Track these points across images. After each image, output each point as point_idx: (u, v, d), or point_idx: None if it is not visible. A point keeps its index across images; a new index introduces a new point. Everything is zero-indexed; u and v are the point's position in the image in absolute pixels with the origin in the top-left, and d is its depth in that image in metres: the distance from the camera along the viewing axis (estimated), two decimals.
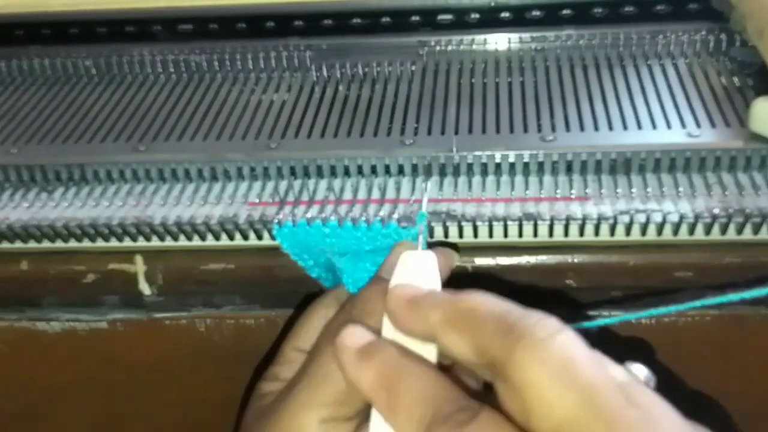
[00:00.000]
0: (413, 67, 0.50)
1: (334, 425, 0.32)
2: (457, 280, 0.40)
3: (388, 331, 0.32)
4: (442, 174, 0.41)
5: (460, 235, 0.39)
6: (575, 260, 0.40)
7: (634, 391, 0.25)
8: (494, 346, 0.27)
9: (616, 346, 0.43)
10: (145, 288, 0.42)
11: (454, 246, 0.39)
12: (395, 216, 0.38)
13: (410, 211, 0.39)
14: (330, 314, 0.37)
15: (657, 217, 0.37)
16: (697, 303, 0.34)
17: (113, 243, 0.42)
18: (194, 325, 0.45)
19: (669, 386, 0.44)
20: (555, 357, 0.25)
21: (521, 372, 0.26)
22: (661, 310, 0.34)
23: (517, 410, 0.26)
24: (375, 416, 0.30)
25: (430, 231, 0.39)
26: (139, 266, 0.42)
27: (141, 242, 0.42)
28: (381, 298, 0.33)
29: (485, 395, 0.29)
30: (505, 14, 0.52)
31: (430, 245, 0.38)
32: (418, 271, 0.33)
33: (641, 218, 0.37)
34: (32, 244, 0.42)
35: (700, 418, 0.45)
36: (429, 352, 0.31)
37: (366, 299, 0.35)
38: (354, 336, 0.31)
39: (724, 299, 0.33)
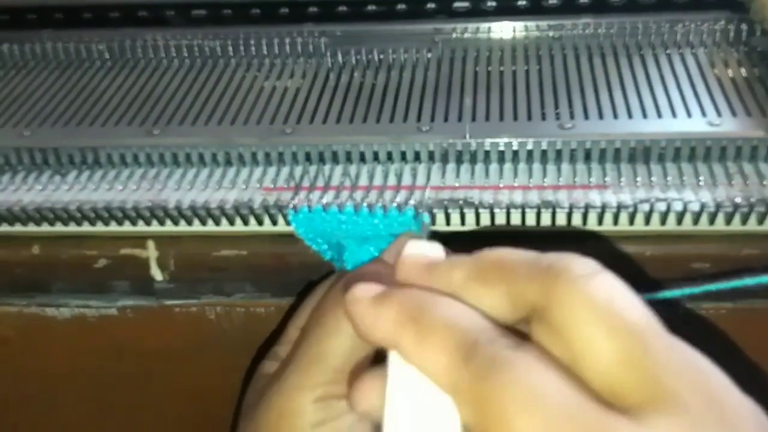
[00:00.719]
0: (429, 55, 0.49)
1: (328, 404, 0.32)
2: None
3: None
4: (459, 161, 0.41)
5: (477, 223, 0.39)
6: (590, 251, 0.39)
7: (678, 339, 0.24)
8: (531, 289, 0.25)
9: None
10: (156, 273, 0.42)
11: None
12: (411, 202, 0.38)
13: (427, 198, 0.38)
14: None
15: (677, 206, 0.37)
16: (712, 287, 0.33)
17: (126, 227, 0.42)
18: (204, 313, 0.44)
19: None
20: (599, 295, 0.24)
21: (564, 312, 0.24)
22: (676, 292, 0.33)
23: (563, 356, 0.24)
24: (393, 362, 0.26)
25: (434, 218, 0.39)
26: (151, 251, 0.42)
27: (154, 227, 0.41)
28: (378, 277, 0.31)
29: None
30: (522, 2, 0.52)
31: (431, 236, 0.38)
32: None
33: (661, 207, 0.37)
34: (44, 228, 0.42)
35: None
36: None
37: (361, 276, 0.34)
38: (366, 287, 0.28)
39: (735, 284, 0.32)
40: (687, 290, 0.34)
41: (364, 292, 0.28)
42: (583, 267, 0.25)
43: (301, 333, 0.35)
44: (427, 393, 0.25)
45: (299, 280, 0.42)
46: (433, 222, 0.39)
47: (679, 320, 0.41)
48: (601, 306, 0.24)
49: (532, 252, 0.27)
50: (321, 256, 0.39)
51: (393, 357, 0.27)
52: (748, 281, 0.33)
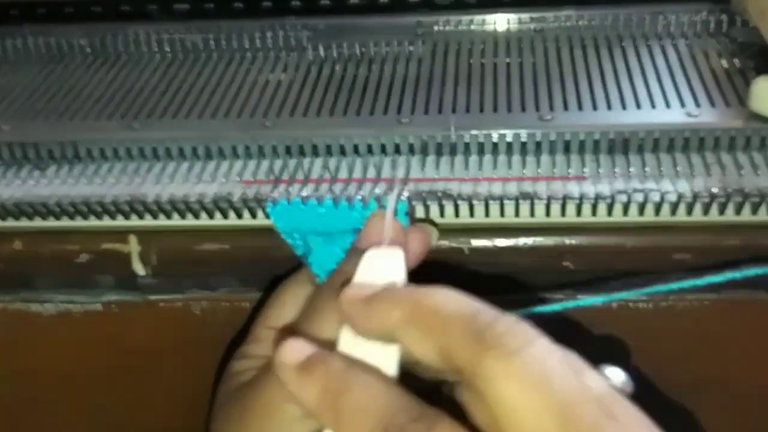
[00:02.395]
0: (411, 48, 0.49)
1: None
2: (454, 263, 0.40)
3: (346, 336, 0.30)
4: (439, 153, 0.41)
5: (456, 215, 0.39)
6: (573, 242, 0.39)
7: (612, 404, 0.24)
8: (462, 352, 0.25)
9: (613, 331, 0.43)
10: (139, 268, 0.42)
11: (434, 224, 0.39)
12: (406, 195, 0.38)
13: (408, 190, 0.38)
14: (303, 292, 0.36)
15: (655, 197, 0.37)
16: (686, 284, 0.33)
17: (107, 222, 0.41)
18: (189, 307, 0.44)
19: (667, 372, 0.44)
20: (529, 370, 0.24)
21: (492, 385, 0.24)
22: (649, 290, 0.33)
23: (484, 422, 0.25)
24: None
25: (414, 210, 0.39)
26: (133, 246, 0.42)
27: (135, 221, 0.41)
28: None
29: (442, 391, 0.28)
30: None
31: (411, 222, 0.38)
32: (383, 270, 0.31)
33: (639, 198, 0.37)
34: (25, 223, 0.42)
35: (699, 403, 0.45)
36: (390, 356, 0.29)
37: (345, 272, 0.34)
38: (293, 350, 0.29)
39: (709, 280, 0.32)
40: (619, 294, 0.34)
41: (290, 355, 0.29)
42: (517, 338, 0.25)
43: (296, 321, 0.35)
44: None
45: (283, 274, 0.42)
46: (413, 215, 0.39)
47: (660, 313, 0.42)
48: (530, 381, 0.24)
49: (472, 304, 0.27)
50: (294, 251, 0.39)
51: None
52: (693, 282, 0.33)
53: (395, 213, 0.35)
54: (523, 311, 0.34)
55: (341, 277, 0.34)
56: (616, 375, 0.27)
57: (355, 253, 0.35)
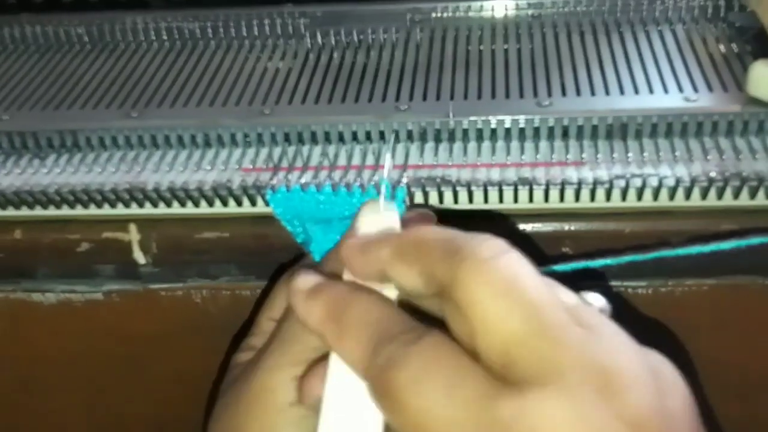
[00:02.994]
0: (409, 34, 0.49)
1: None
2: None
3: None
4: (438, 139, 0.41)
5: (455, 201, 0.39)
6: (572, 228, 0.40)
7: (583, 313, 0.25)
8: (441, 269, 0.26)
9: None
10: (139, 257, 0.42)
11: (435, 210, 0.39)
12: (392, 181, 0.38)
13: (405, 176, 0.38)
14: None
15: (653, 181, 0.37)
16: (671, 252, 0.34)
17: (106, 210, 0.42)
18: (190, 296, 0.44)
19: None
20: (500, 276, 0.25)
21: (465, 291, 0.25)
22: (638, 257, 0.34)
23: (463, 332, 0.26)
24: (332, 359, 0.29)
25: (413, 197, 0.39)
26: (133, 235, 0.42)
27: (135, 210, 0.42)
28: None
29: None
30: None
31: (410, 209, 0.38)
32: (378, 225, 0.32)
33: (637, 182, 0.37)
34: (25, 212, 0.42)
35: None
36: (388, 295, 0.30)
37: (336, 259, 0.34)
38: (305, 278, 0.31)
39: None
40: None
41: (302, 283, 0.31)
42: (489, 248, 0.26)
43: (283, 313, 0.35)
44: (359, 394, 0.27)
45: (284, 261, 0.42)
46: (412, 201, 0.39)
47: (659, 297, 0.42)
48: (499, 285, 0.25)
49: (450, 232, 0.28)
50: (294, 238, 0.39)
51: (332, 356, 0.29)
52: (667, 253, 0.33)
53: (394, 199, 0.36)
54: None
55: (330, 264, 0.34)
56: (596, 299, 0.28)
57: (346, 239, 0.35)
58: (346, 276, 0.31)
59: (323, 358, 0.31)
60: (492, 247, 0.26)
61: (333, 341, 0.29)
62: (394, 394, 0.25)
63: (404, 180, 0.38)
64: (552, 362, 0.23)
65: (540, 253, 0.40)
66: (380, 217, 0.32)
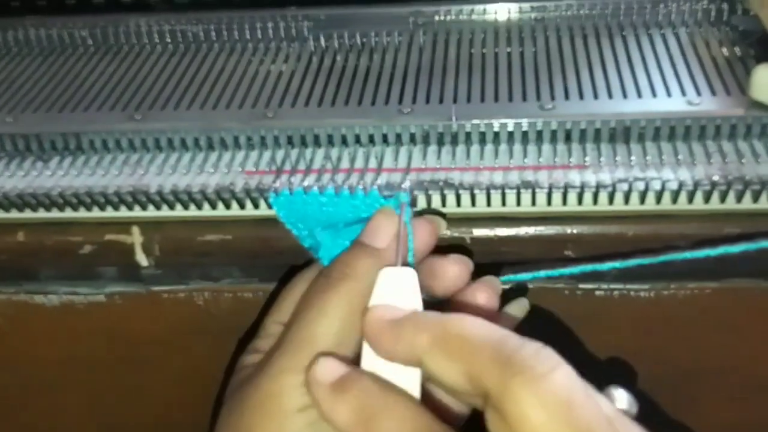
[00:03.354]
0: (412, 38, 0.49)
1: None
2: (456, 252, 0.40)
3: (369, 355, 0.31)
4: (440, 143, 0.41)
5: (458, 204, 0.39)
6: (574, 231, 0.40)
7: (624, 427, 0.26)
8: (490, 376, 0.26)
9: (615, 320, 0.43)
10: (142, 259, 0.42)
11: (441, 214, 0.39)
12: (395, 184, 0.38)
13: (408, 180, 0.38)
14: None
15: (656, 185, 0.37)
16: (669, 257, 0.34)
17: (109, 213, 0.42)
18: (192, 298, 0.45)
19: (668, 360, 0.44)
20: (554, 395, 0.25)
21: (518, 407, 0.25)
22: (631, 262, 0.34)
23: None
24: None
25: (414, 202, 0.39)
26: (136, 237, 0.42)
27: (137, 212, 0.42)
28: (358, 261, 0.33)
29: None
30: None
31: (417, 214, 0.38)
32: (398, 289, 0.32)
33: (640, 186, 0.37)
34: (28, 214, 0.42)
35: (700, 391, 0.45)
36: (413, 378, 0.30)
37: (344, 263, 0.34)
38: (327, 369, 0.30)
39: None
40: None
41: (324, 373, 0.30)
42: (543, 363, 0.26)
43: (291, 317, 0.35)
44: None
45: (285, 264, 0.42)
46: (414, 204, 0.39)
47: (661, 301, 0.42)
48: (556, 407, 0.25)
49: (498, 330, 0.28)
50: (300, 242, 0.39)
51: None
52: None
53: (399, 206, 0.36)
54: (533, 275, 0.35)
55: (338, 267, 0.34)
56: (621, 396, 0.28)
57: (355, 245, 0.35)
58: (366, 350, 0.30)
59: None
60: (545, 360, 0.26)
61: None
62: None
63: (407, 184, 0.38)
64: None
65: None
66: (397, 277, 0.32)
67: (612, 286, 0.42)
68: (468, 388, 0.27)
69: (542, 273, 0.37)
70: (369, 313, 0.31)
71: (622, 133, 0.40)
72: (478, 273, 0.37)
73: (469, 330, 0.28)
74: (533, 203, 0.39)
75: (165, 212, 0.41)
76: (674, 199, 0.38)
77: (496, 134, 0.40)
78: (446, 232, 0.39)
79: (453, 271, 0.36)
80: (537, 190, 0.38)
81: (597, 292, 0.42)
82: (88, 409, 0.51)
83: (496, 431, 0.26)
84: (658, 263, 0.37)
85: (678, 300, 0.42)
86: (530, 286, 0.42)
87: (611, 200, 0.38)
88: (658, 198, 0.38)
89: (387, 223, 0.35)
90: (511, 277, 0.38)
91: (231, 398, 0.35)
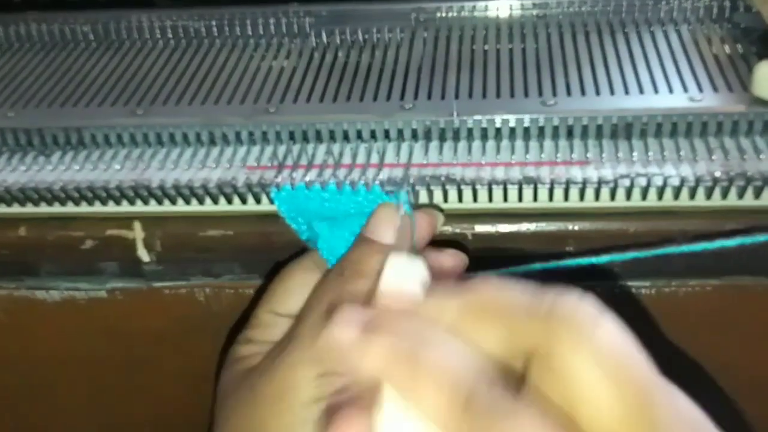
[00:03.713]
0: (414, 34, 0.49)
1: (329, 380, 0.31)
2: (458, 248, 0.40)
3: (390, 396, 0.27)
4: (442, 138, 0.41)
5: (460, 199, 0.39)
6: (576, 227, 0.40)
7: (675, 398, 0.24)
8: (532, 331, 0.25)
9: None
10: (143, 254, 0.42)
11: (439, 209, 0.39)
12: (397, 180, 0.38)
13: (410, 175, 0.38)
14: (309, 277, 0.36)
15: (658, 181, 0.37)
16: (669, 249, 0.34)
17: (111, 208, 0.42)
18: (194, 294, 0.45)
19: (669, 356, 0.44)
20: (605, 344, 0.23)
21: (570, 359, 0.23)
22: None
23: (560, 399, 0.24)
24: (385, 400, 0.26)
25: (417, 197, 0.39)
26: (138, 232, 0.42)
27: (139, 207, 0.42)
28: (370, 258, 0.32)
29: None
30: None
31: (416, 208, 0.38)
32: (406, 277, 0.30)
33: (642, 182, 0.37)
34: (30, 209, 0.42)
35: (701, 389, 0.45)
36: None
37: (356, 260, 0.34)
38: (353, 315, 0.27)
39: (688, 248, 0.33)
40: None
41: (351, 320, 0.27)
42: (587, 312, 0.24)
43: (298, 317, 0.35)
44: None
45: (287, 260, 0.42)
46: (416, 199, 0.39)
47: (663, 297, 0.42)
48: (606, 356, 0.23)
49: (529, 288, 0.26)
50: (299, 236, 0.39)
51: (387, 402, 0.26)
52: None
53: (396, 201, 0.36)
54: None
55: (351, 266, 0.34)
56: None
57: (362, 241, 0.35)
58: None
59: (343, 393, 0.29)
60: (590, 309, 0.24)
61: (403, 385, 0.25)
62: None
63: (410, 179, 0.38)
64: None
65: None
66: (407, 267, 0.30)
67: (612, 282, 0.42)
68: (509, 348, 0.25)
69: (537, 266, 0.36)
70: (381, 290, 0.28)
71: (624, 129, 0.40)
72: (480, 269, 0.37)
73: (500, 291, 0.26)
74: (535, 199, 0.39)
75: (167, 207, 0.41)
76: (676, 195, 0.38)
77: (498, 130, 0.40)
78: (447, 228, 0.40)
79: (449, 263, 0.35)
80: (539, 185, 0.38)
81: (597, 289, 0.42)
82: (88, 405, 0.51)
83: (545, 387, 0.24)
84: (657, 258, 0.37)
85: (679, 297, 0.42)
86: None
87: (613, 196, 0.38)
88: (660, 194, 0.38)
89: (390, 218, 0.35)
90: (507, 270, 0.37)
91: (238, 391, 0.35)
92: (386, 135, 0.41)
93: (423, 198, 0.39)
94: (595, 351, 0.23)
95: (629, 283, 0.42)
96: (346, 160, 0.40)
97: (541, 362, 0.24)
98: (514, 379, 0.25)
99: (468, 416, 0.24)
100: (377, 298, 0.29)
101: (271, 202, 0.39)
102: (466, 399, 0.24)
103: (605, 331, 0.24)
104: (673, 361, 0.44)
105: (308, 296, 0.35)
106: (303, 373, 0.32)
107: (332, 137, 0.41)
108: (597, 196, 0.38)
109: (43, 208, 0.42)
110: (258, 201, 0.40)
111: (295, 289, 0.36)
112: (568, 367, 0.24)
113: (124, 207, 0.42)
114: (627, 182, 0.37)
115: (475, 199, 0.39)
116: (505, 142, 0.40)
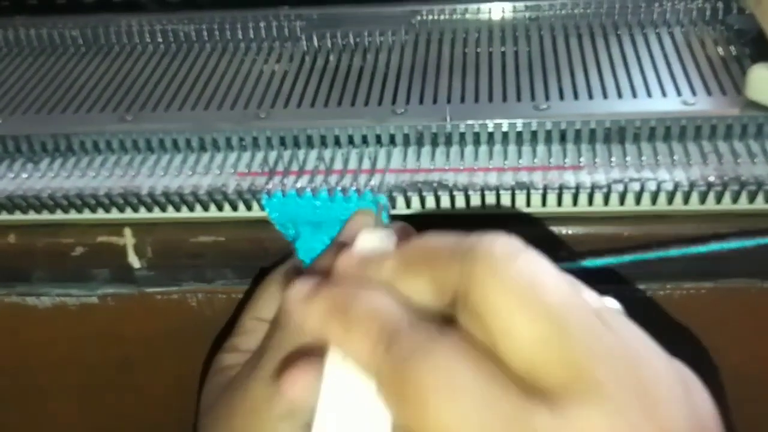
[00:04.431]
0: (405, 37, 0.49)
1: None
2: None
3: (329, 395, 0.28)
4: (434, 143, 0.40)
5: (452, 205, 0.39)
6: (569, 232, 0.39)
7: (608, 316, 0.24)
8: (452, 273, 0.25)
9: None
10: (134, 261, 0.42)
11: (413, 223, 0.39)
12: (389, 186, 0.38)
13: (402, 181, 0.38)
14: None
15: (651, 186, 0.37)
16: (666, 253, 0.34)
17: (101, 215, 0.41)
18: (186, 300, 0.44)
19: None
20: (519, 277, 0.23)
21: (483, 296, 0.23)
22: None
23: (483, 337, 0.24)
24: (330, 361, 0.27)
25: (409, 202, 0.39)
26: (128, 239, 0.41)
27: (129, 214, 0.41)
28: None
29: None
30: None
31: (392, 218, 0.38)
32: (375, 250, 0.30)
33: (635, 187, 0.37)
34: (19, 216, 0.42)
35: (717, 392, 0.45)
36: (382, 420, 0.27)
37: (324, 264, 0.34)
38: (302, 283, 0.28)
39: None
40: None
41: (297, 289, 0.28)
42: (503, 248, 0.24)
43: (272, 323, 0.35)
44: (361, 394, 0.26)
45: (279, 265, 0.42)
46: (408, 205, 0.39)
47: (657, 300, 0.42)
48: (521, 288, 0.23)
49: (455, 234, 0.26)
50: (289, 242, 0.39)
51: (331, 356, 0.27)
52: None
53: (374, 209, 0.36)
54: None
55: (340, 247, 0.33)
56: (612, 303, 0.26)
57: (336, 246, 0.35)
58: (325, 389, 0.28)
59: (305, 354, 0.29)
60: (506, 245, 0.24)
61: (337, 335, 0.26)
62: (414, 392, 0.23)
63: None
64: (586, 371, 0.22)
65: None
66: (377, 236, 0.30)
67: (606, 286, 0.42)
68: (439, 296, 0.26)
69: None
70: (338, 258, 0.29)
71: (617, 134, 0.39)
72: None
73: (428, 241, 0.27)
74: (528, 204, 0.39)
75: (157, 214, 0.41)
76: (670, 199, 0.38)
77: (491, 135, 0.40)
78: None
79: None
80: (532, 191, 0.38)
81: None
82: (80, 411, 0.51)
83: (470, 329, 0.24)
84: (652, 261, 0.37)
85: (674, 300, 0.42)
86: None
87: (606, 201, 0.38)
88: (654, 199, 0.38)
89: (365, 224, 0.35)
90: None
91: (217, 404, 0.35)
92: (378, 140, 0.41)
93: (415, 204, 0.39)
94: (507, 284, 0.23)
95: (623, 287, 0.42)
96: (338, 165, 0.40)
97: (464, 303, 0.24)
98: (447, 323, 0.25)
99: (390, 355, 0.24)
100: (336, 261, 0.29)
101: (262, 208, 0.39)
102: (388, 340, 0.24)
103: (519, 265, 0.24)
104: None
105: (280, 304, 0.35)
106: (275, 387, 0.31)
107: (323, 143, 0.41)
108: (590, 201, 0.38)
109: (33, 216, 0.42)
110: (249, 207, 0.40)
111: (277, 295, 0.36)
112: (483, 303, 0.23)
113: (114, 214, 0.41)
114: (620, 187, 0.37)
115: (467, 205, 0.39)
116: (497, 147, 0.40)
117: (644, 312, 0.42)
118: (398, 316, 0.25)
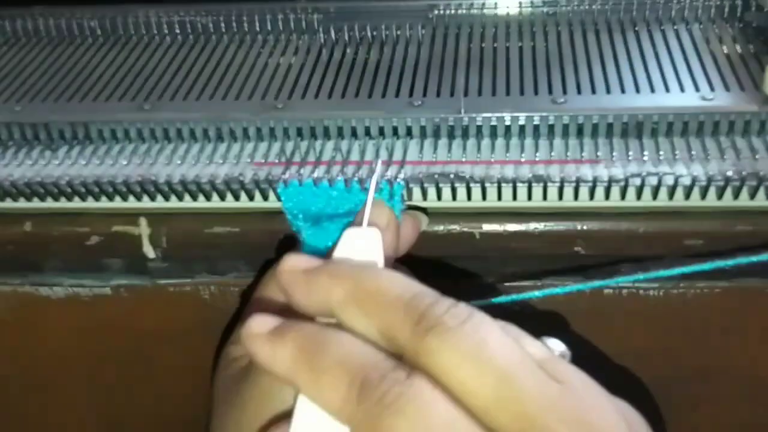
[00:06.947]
0: (423, 31, 0.49)
1: None
2: (466, 247, 0.40)
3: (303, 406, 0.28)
4: (451, 136, 0.40)
5: (468, 198, 0.39)
6: (585, 227, 0.39)
7: (554, 367, 0.25)
8: (402, 333, 0.26)
9: (624, 318, 0.43)
10: (149, 251, 0.42)
11: (423, 210, 0.39)
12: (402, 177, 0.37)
13: (418, 173, 0.38)
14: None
15: (669, 180, 0.37)
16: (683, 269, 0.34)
17: (117, 203, 0.41)
18: (198, 292, 0.44)
19: (676, 359, 0.44)
20: (467, 341, 0.25)
21: (432, 361, 0.25)
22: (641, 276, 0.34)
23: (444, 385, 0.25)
24: (300, 403, 0.27)
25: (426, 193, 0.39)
26: (144, 228, 0.42)
27: (145, 203, 0.41)
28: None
29: None
30: None
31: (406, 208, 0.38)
32: (360, 249, 0.31)
33: (653, 181, 0.37)
34: (36, 204, 0.42)
35: (705, 391, 0.45)
36: None
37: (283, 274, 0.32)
38: (261, 320, 0.29)
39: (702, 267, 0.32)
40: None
41: (259, 326, 0.28)
42: (452, 317, 0.25)
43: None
44: None
45: (275, 256, 0.42)
46: (425, 197, 0.39)
47: (671, 300, 0.42)
48: (469, 352, 0.24)
49: (413, 287, 0.27)
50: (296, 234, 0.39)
51: (300, 398, 0.27)
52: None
53: (392, 196, 0.36)
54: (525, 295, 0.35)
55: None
56: (556, 345, 0.28)
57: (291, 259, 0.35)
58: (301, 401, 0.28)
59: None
60: (456, 314, 0.26)
61: (306, 385, 0.27)
62: None
63: (401, 176, 0.37)
64: (538, 421, 0.24)
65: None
66: (360, 237, 0.31)
67: (620, 283, 0.42)
68: (382, 343, 0.27)
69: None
70: (283, 262, 0.29)
71: (635, 128, 0.39)
72: (487, 268, 0.37)
73: (383, 284, 0.27)
74: (544, 198, 0.38)
75: (173, 203, 0.41)
76: (687, 194, 0.38)
77: (507, 128, 0.40)
78: (455, 226, 0.39)
79: (407, 232, 0.36)
80: (548, 184, 0.37)
81: (606, 291, 0.42)
82: (91, 401, 0.51)
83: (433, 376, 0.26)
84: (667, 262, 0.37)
85: (687, 299, 0.42)
86: (539, 283, 0.42)
87: (623, 195, 0.38)
88: (671, 193, 0.38)
89: (378, 213, 0.35)
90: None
91: (229, 394, 0.35)
92: (395, 132, 0.41)
93: (432, 196, 0.39)
94: (454, 344, 0.25)
95: (637, 285, 0.42)
96: (355, 156, 0.40)
97: (414, 361, 0.26)
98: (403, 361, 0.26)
99: (363, 407, 0.25)
100: (282, 260, 0.30)
101: (278, 198, 0.39)
102: (359, 390, 0.25)
103: (467, 330, 0.25)
104: (681, 363, 0.44)
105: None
106: None
107: (340, 134, 0.41)
108: (607, 196, 0.38)
109: (49, 203, 0.42)
110: (265, 197, 0.40)
111: None
112: (437, 369, 0.25)
113: (131, 203, 0.41)
114: (638, 181, 0.37)
115: (483, 198, 0.39)
116: (514, 140, 0.40)
117: (657, 310, 0.42)
118: (367, 359, 0.26)
